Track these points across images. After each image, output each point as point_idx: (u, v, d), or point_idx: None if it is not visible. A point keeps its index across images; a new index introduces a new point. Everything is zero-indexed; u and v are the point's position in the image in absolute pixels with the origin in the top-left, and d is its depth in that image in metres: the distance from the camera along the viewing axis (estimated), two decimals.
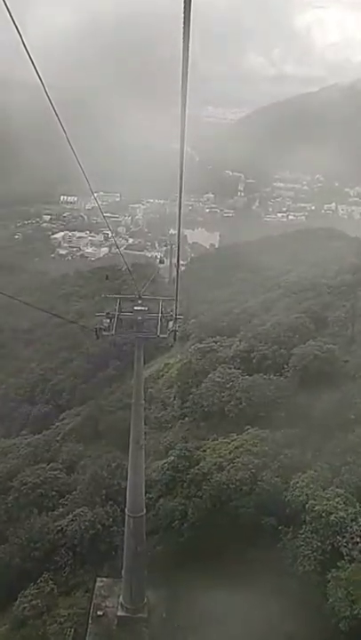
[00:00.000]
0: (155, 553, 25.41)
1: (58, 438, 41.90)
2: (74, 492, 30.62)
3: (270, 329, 36.97)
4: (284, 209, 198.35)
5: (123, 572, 21.69)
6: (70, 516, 28.18)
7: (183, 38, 4.52)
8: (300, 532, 21.67)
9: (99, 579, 24.89)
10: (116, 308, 19.50)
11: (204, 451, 30.15)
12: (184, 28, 4.41)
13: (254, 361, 35.51)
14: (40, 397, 59.34)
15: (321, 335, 35.22)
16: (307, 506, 22.07)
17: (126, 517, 21.37)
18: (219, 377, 34.82)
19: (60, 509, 29.79)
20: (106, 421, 37.56)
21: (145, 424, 37.52)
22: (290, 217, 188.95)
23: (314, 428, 27.52)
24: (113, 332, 18.78)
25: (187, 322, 54.46)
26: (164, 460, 30.64)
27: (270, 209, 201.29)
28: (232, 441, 28.64)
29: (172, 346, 55.23)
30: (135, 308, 19.27)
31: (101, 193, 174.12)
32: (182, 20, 4.39)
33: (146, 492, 28.43)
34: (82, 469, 34.28)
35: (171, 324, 19.49)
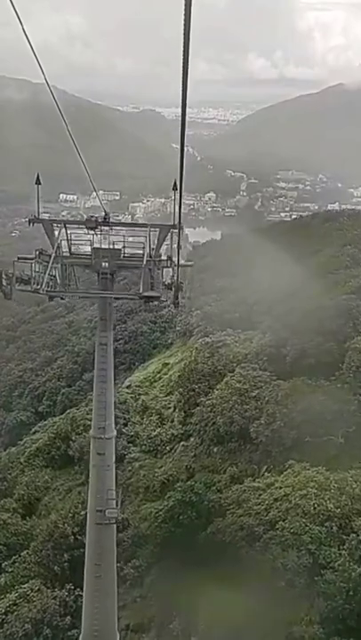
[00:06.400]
0: None
1: (21, 460, 32.07)
2: (25, 553, 20.69)
3: (307, 315, 26.55)
4: (287, 208, 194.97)
5: None
6: (14, 594, 18.34)
7: (184, 39, 4.43)
8: None
9: None
10: (56, 241, 10.21)
11: (220, 491, 20.02)
12: (184, 28, 4.33)
13: (288, 359, 24.93)
14: (17, 403, 53.71)
15: None
16: None
17: None
18: (238, 381, 24.57)
19: (3, 577, 19.97)
20: (79, 441, 27.21)
21: (133, 445, 27.12)
22: (293, 216, 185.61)
23: None
24: (43, 287, 9.33)
25: (189, 314, 45.07)
26: (160, 505, 20.38)
27: (273, 208, 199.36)
28: (268, 486, 17.82)
29: (175, 317, 45.55)
30: (96, 245, 9.89)
31: (101, 192, 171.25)
32: (183, 20, 4.31)
33: (131, 559, 18.50)
34: (44, 510, 24.80)
35: (168, 274, 9.95)
